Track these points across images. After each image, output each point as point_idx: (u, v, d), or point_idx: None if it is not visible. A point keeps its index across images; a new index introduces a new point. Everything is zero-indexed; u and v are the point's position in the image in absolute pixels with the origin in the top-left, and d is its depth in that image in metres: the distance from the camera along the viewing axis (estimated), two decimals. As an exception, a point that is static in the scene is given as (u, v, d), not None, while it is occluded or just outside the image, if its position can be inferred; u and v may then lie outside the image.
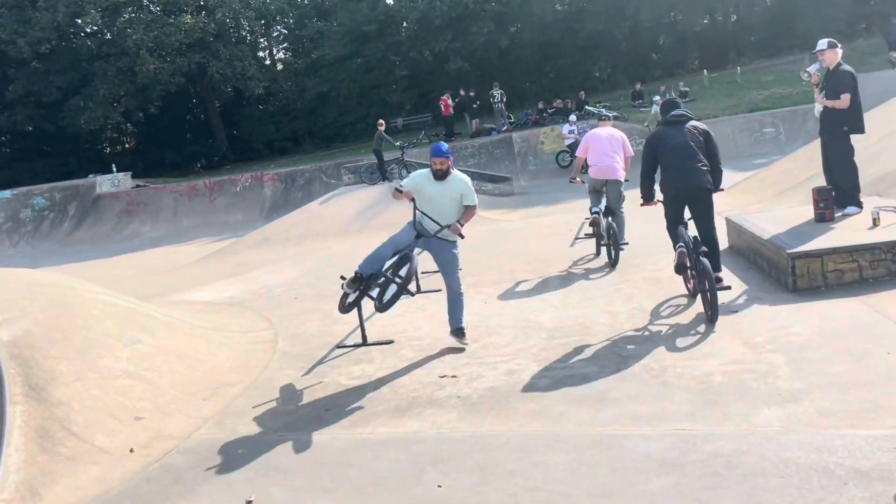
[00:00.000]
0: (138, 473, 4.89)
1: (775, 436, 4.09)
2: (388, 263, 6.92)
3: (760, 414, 4.40)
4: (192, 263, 17.10)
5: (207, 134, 43.17)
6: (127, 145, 45.53)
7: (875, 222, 7.19)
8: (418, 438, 4.88)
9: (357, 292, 6.89)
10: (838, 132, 7.96)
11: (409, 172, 19.92)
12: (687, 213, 7.08)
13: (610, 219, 9.28)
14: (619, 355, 5.88)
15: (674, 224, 7.06)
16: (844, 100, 7.78)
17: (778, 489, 3.56)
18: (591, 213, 9.67)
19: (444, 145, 6.69)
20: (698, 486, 3.71)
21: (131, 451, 5.22)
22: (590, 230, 10.83)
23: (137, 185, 29.98)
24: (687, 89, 28.82)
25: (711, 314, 6.22)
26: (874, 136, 9.63)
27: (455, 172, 6.72)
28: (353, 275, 6.87)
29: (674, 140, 6.89)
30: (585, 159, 9.99)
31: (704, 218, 6.94)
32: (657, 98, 25.26)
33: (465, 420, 5.08)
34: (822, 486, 3.53)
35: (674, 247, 7.11)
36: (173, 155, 41.89)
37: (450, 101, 27.34)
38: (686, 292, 7.25)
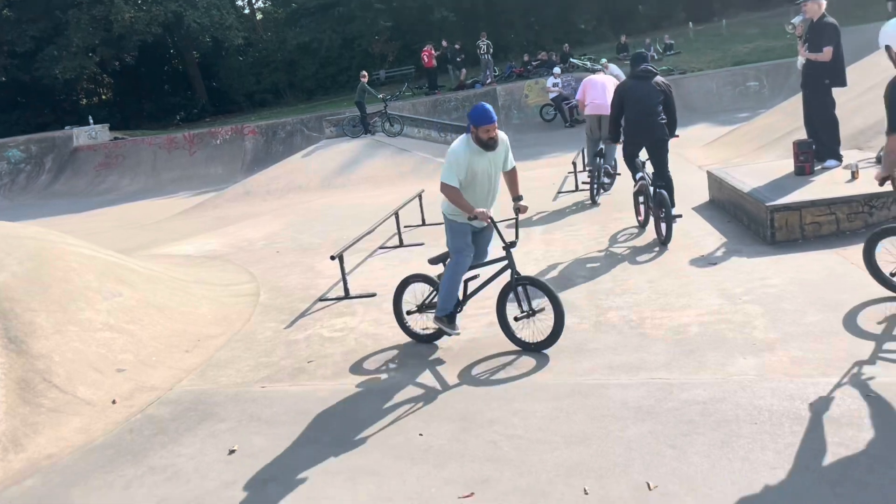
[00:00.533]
0: (121, 424, 4.92)
1: (750, 384, 4.18)
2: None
3: (736, 363, 4.48)
4: (172, 217, 16.94)
5: (186, 85, 42.32)
6: (104, 97, 44.57)
7: (854, 175, 7.24)
8: (400, 388, 4.93)
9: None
10: (820, 85, 7.95)
11: (392, 126, 19.71)
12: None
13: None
14: (598, 307, 5.94)
15: (631, 159, 8.09)
16: (826, 53, 7.76)
17: (750, 435, 3.65)
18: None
19: (490, 107, 5.12)
20: (673, 432, 3.79)
21: (114, 402, 5.24)
22: (571, 185, 10.91)
23: (115, 138, 29.48)
24: (672, 42, 28.58)
25: (665, 237, 7.29)
26: (856, 90, 9.64)
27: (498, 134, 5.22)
28: (443, 318, 5.40)
29: (638, 93, 7.82)
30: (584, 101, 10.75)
31: (661, 162, 7.95)
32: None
33: (447, 371, 5.13)
34: (793, 431, 3.62)
35: (633, 177, 8.11)
36: (151, 107, 41.09)
37: (433, 52, 26.92)
38: (636, 224, 8.36)
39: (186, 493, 3.92)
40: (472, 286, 5.59)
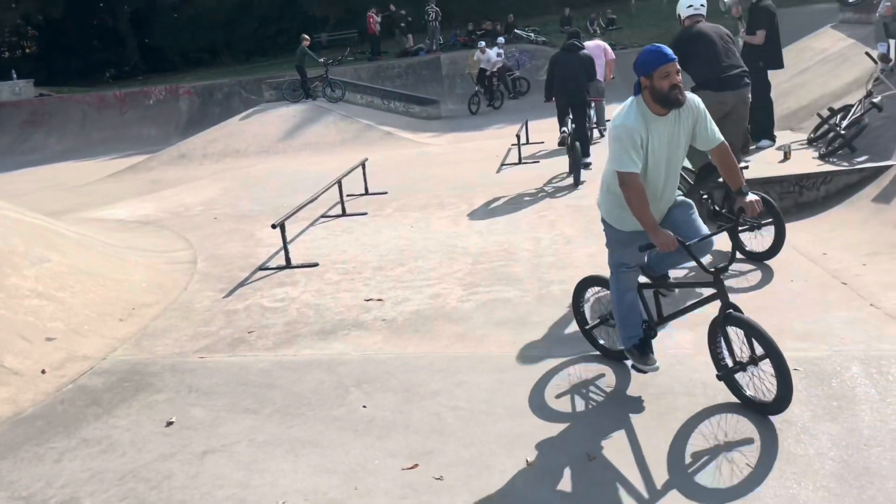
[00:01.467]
0: (52, 395, 4.75)
1: (686, 358, 4.31)
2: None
3: (671, 336, 4.61)
4: (102, 179, 16.31)
5: (117, 41, 40.51)
6: (28, 50, 42.32)
7: (786, 156, 7.49)
8: (343, 360, 4.91)
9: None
10: (755, 67, 8.16)
11: (333, 91, 19.30)
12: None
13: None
14: (540, 280, 6.01)
15: (560, 117, 10.20)
16: (759, 36, 7.97)
17: (685, 407, 3.78)
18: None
19: (664, 46, 3.77)
20: (615, 404, 3.89)
21: (43, 372, 5.05)
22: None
23: (41, 94, 28.09)
24: (614, 17, 28.83)
25: (576, 181, 9.34)
26: (790, 72, 9.93)
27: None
28: (632, 350, 4.07)
29: (566, 63, 9.88)
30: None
31: (581, 120, 9.99)
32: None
33: (390, 342, 5.13)
34: (728, 401, 3.76)
35: (559, 131, 10.18)
36: (79, 63, 39.21)
37: (376, 18, 26.45)
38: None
39: (122, 466, 3.82)
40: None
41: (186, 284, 6.91)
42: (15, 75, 29.25)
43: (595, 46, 12.28)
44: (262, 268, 7.24)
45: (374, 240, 7.93)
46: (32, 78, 29.48)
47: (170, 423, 4.24)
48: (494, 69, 23.08)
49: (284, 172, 13.60)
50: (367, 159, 10.96)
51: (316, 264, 7.15)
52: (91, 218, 10.38)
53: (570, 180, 9.61)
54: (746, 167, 7.01)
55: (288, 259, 7.19)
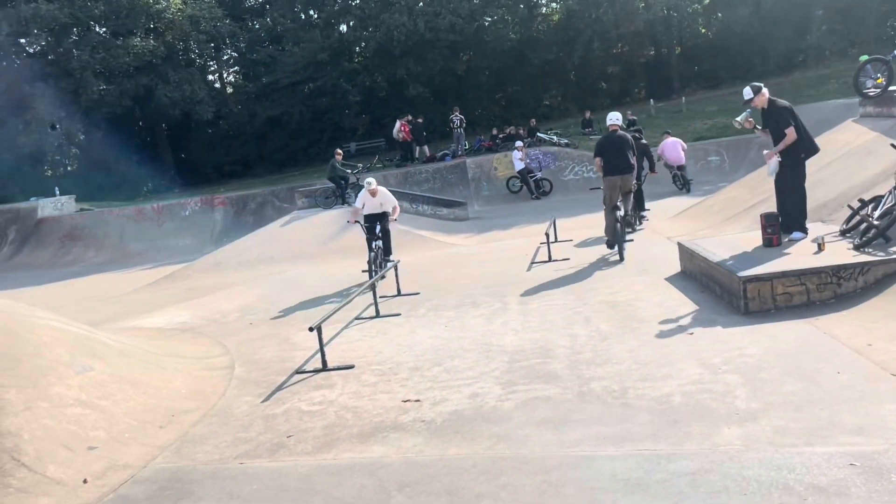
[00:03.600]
0: (93, 505, 4.72)
1: (736, 454, 4.20)
2: None
3: (721, 433, 4.51)
4: (141, 289, 16.69)
5: (154, 157, 42.26)
6: (70, 168, 44.26)
7: (820, 248, 7.49)
8: (384, 463, 4.85)
9: None
10: (796, 159, 8.30)
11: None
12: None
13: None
14: (580, 377, 5.95)
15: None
16: (790, 134, 8.15)
17: (741, 506, 3.65)
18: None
19: None
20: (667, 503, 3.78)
21: (85, 481, 5.05)
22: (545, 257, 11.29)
23: (81, 209, 29.18)
24: (635, 118, 29.56)
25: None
26: (816, 164, 10.03)
27: None
28: None
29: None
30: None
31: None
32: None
33: (431, 444, 5.06)
34: (783, 502, 3.63)
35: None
36: (119, 179, 40.82)
37: (408, 126, 27.44)
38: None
39: (165, 578, 3.75)
40: None
41: (225, 390, 6.94)
42: (58, 192, 30.52)
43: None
44: (298, 371, 7.27)
45: (409, 340, 7.96)
46: (74, 194, 30.72)
47: (212, 532, 4.18)
48: (516, 170, 23.71)
49: (317, 276, 13.82)
50: (398, 261, 11.13)
51: (352, 366, 7.16)
52: (130, 327, 10.57)
53: (602, 274, 9.66)
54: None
55: (324, 362, 7.21)
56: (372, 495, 4.39)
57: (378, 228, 12.25)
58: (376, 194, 12.32)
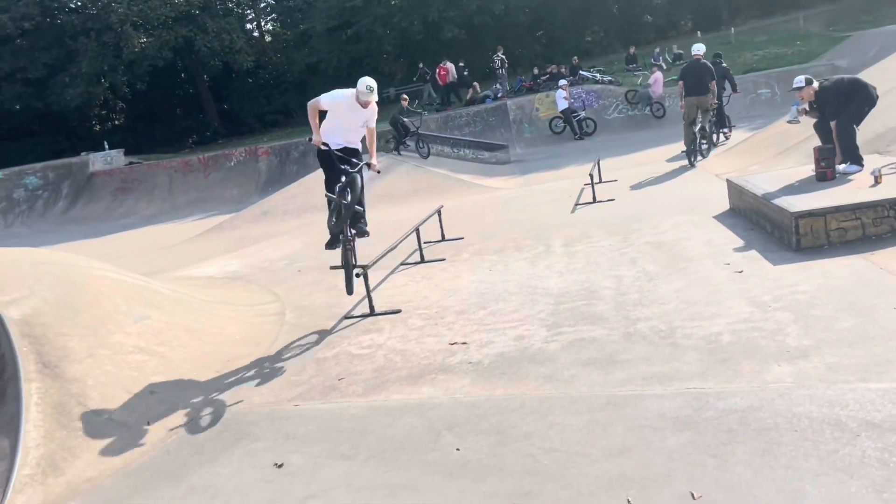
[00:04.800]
0: (158, 446, 4.95)
1: (787, 391, 4.16)
2: None
3: (771, 371, 4.47)
4: (191, 239, 17.08)
5: (198, 109, 42.76)
6: (117, 122, 45.08)
7: (877, 180, 7.23)
8: (433, 404, 4.95)
9: None
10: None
11: (422, 146, 19.64)
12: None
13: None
14: (626, 318, 5.93)
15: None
16: (835, 129, 8.23)
17: (792, 442, 3.64)
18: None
19: None
20: (714, 441, 3.78)
21: (148, 424, 5.28)
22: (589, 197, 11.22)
23: (131, 162, 29.77)
24: (681, 52, 28.59)
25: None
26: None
27: None
28: None
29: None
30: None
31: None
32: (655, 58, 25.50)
33: (478, 385, 5.14)
34: (835, 438, 3.60)
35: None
36: (164, 131, 41.49)
37: (448, 68, 27.04)
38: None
39: (228, 513, 3.94)
40: None
41: (277, 335, 7.12)
42: (107, 146, 31.14)
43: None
44: (347, 316, 7.40)
45: (454, 285, 8.01)
46: (122, 148, 31.32)
47: (279, 466, 4.34)
48: (559, 110, 23.26)
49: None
50: (442, 206, 11.13)
51: (399, 311, 7.26)
52: (182, 276, 10.86)
53: (649, 214, 9.53)
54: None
55: (372, 307, 7.33)
56: (422, 435, 4.50)
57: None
58: (368, 106, 7.07)
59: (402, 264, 9.38)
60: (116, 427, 5.20)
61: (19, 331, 5.67)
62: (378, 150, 17.23)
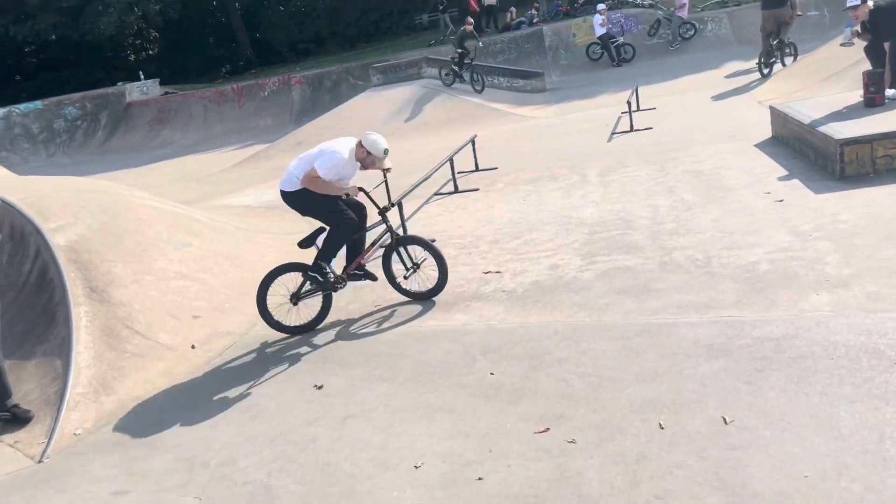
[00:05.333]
0: (202, 367, 5.14)
1: (824, 320, 4.14)
2: None
3: (809, 300, 4.43)
4: (227, 169, 17.22)
5: (230, 38, 42.37)
6: (150, 52, 44.99)
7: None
8: (467, 330, 5.03)
9: None
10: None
11: (477, 79, 18.98)
12: None
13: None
14: (661, 247, 5.89)
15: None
16: (889, 49, 7.70)
17: (827, 370, 3.64)
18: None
19: None
20: (748, 368, 3.80)
21: (193, 347, 5.47)
22: None
23: (166, 92, 29.82)
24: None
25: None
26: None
27: None
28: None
29: None
30: None
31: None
32: None
33: (512, 312, 5.20)
34: (872, 365, 3.59)
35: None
36: (197, 60, 41.30)
37: None
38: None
39: (271, 430, 4.11)
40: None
41: (313, 263, 7.22)
42: (142, 76, 31.20)
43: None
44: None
45: (488, 215, 8.01)
46: (157, 78, 31.35)
47: (319, 387, 4.49)
48: (596, 36, 22.56)
49: (396, 153, 13.85)
50: (476, 136, 11.01)
51: (433, 240, 7.28)
52: (220, 205, 11.01)
53: (689, 142, 9.33)
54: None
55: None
56: (457, 360, 4.60)
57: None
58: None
59: (435, 194, 9.38)
60: (162, 349, 5.40)
61: (66, 257, 5.85)
62: (430, 79, 16.20)
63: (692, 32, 22.68)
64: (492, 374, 4.32)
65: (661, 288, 5.09)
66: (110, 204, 7.00)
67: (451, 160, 9.47)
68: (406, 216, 7.70)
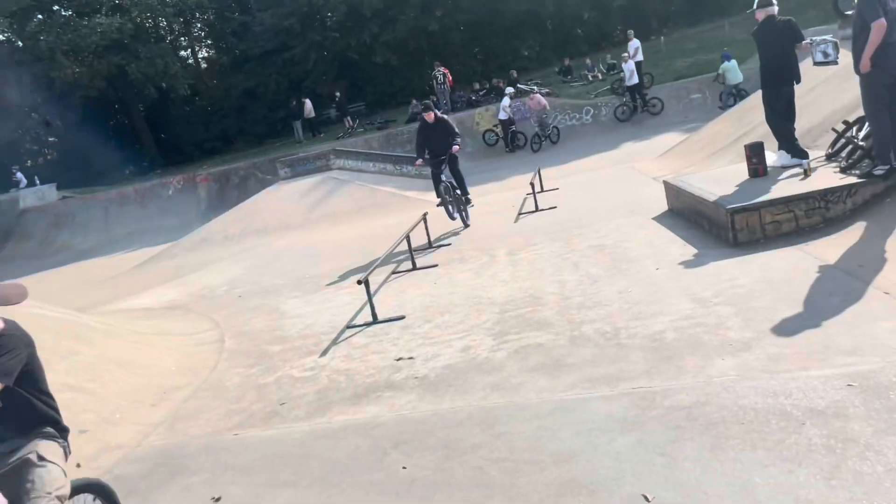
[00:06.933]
0: (87, 487, 4.65)
1: (731, 384, 4.14)
2: None
3: (715, 365, 4.45)
4: (128, 271, 16.51)
5: (134, 139, 41.68)
6: (49, 156, 43.61)
7: (806, 174, 7.38)
8: (378, 423, 4.79)
9: None
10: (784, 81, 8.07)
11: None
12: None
13: None
14: (571, 322, 5.88)
15: None
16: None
17: (739, 435, 3.60)
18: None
19: None
20: (662, 440, 3.72)
21: (78, 465, 4.97)
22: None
23: (64, 197, 28.79)
24: (615, 62, 29.15)
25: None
26: (798, 91, 9.88)
27: None
28: None
29: None
30: None
31: None
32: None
33: (425, 400, 5.00)
34: (781, 427, 3.58)
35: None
36: (99, 163, 40.22)
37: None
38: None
39: (162, 554, 3.70)
40: None
41: (216, 364, 6.86)
42: (38, 181, 30.06)
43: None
44: (349, 326, 7.13)
45: (399, 299, 7.87)
46: (55, 182, 30.26)
47: (216, 500, 4.12)
48: (499, 119, 23.60)
49: (305, 245, 13.69)
50: (427, 213, 10.97)
51: (403, 317, 7.05)
52: (119, 309, 10.45)
53: (590, 220, 9.55)
54: None
55: (374, 314, 7.10)
56: (367, 455, 4.34)
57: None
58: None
59: (332, 284, 9.19)
60: (42, 471, 4.87)
61: (-67, 375, 5.29)
62: (340, 170, 15.92)
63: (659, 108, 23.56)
64: (404, 467, 4.08)
65: (573, 363, 5.03)
66: (-12, 314, 6.47)
67: (407, 237, 9.30)
68: (315, 304, 7.46)
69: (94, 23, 33.63)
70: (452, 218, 11.19)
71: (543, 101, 23.13)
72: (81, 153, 40.54)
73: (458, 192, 11.56)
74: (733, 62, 22.14)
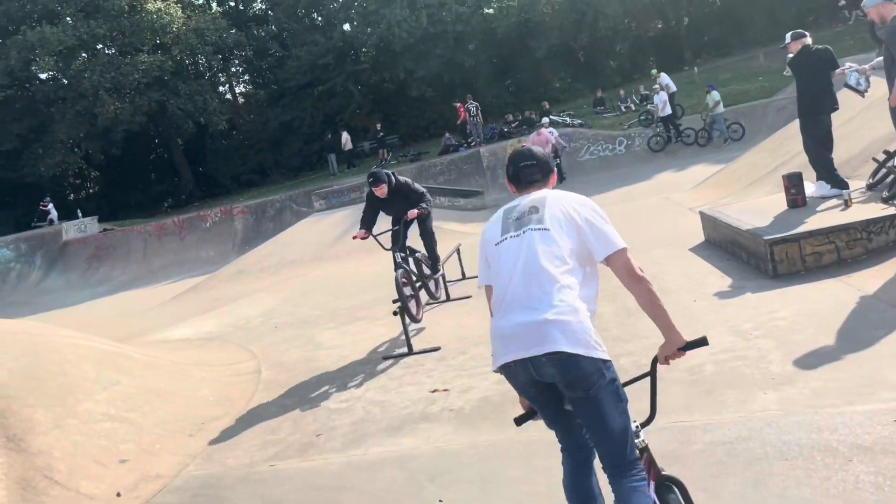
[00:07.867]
0: (127, 517, 4.71)
1: (774, 419, 4.06)
2: None
3: (757, 399, 4.37)
4: (166, 302, 16.80)
5: (173, 172, 42.74)
6: (91, 190, 44.86)
7: (846, 204, 7.27)
8: (414, 455, 4.78)
9: None
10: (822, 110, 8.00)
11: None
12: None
13: None
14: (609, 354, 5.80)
15: None
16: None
17: (783, 472, 3.52)
18: None
19: None
20: (703, 475, 3.66)
21: (118, 495, 5.04)
22: None
23: (105, 229, 29.50)
24: (647, 93, 29.16)
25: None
26: (836, 121, 9.77)
27: None
28: None
29: None
30: None
31: None
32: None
33: (461, 432, 4.98)
34: (827, 464, 3.49)
35: None
36: (139, 196, 41.37)
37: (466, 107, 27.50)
38: None
39: (200, 585, 3.72)
40: None
41: (252, 394, 6.92)
42: (80, 214, 30.90)
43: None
44: (385, 357, 7.17)
45: (432, 331, 7.87)
46: (96, 215, 31.08)
47: (246, 536, 4.14)
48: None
49: (340, 276, 13.81)
50: (460, 245, 11.01)
51: (439, 348, 7.08)
52: (157, 339, 10.62)
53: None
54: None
55: (410, 346, 7.10)
56: (403, 488, 4.33)
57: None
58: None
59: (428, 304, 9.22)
60: (84, 500, 4.95)
61: (-19, 404, 5.44)
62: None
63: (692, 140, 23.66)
64: (441, 501, 4.06)
65: (610, 396, 4.96)
66: (33, 345, 6.64)
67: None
68: (348, 334, 7.50)
69: (137, 60, 34.73)
70: (416, 320, 7.90)
71: (552, 138, 21.32)
72: (123, 186, 41.72)
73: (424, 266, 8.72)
74: (716, 93, 22.65)
